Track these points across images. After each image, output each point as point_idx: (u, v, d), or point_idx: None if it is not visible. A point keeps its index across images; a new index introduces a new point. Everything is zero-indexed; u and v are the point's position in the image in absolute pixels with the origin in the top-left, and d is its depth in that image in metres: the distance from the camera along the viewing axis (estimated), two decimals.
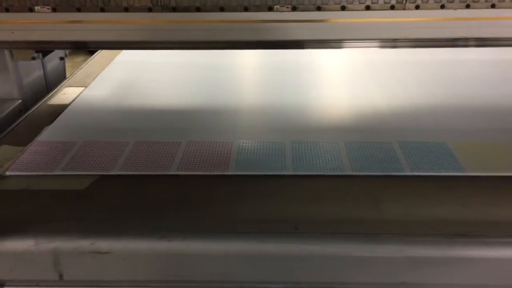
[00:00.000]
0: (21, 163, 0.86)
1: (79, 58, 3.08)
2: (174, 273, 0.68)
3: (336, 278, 0.68)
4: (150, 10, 0.91)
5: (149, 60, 1.39)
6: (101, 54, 1.47)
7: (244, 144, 0.90)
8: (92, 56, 1.46)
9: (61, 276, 0.68)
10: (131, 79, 1.27)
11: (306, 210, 0.73)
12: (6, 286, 0.70)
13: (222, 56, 1.43)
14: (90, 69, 1.34)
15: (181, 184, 0.79)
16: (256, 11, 0.91)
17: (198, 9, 0.90)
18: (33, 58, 1.09)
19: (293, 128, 0.97)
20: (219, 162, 0.85)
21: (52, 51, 1.26)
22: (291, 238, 0.67)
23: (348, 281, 0.68)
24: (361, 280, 0.68)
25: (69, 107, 1.08)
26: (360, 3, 0.90)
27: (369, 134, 0.93)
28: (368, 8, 0.90)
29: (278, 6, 0.90)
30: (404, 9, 0.90)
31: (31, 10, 0.90)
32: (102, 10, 0.91)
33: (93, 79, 1.25)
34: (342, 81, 1.28)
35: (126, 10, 0.91)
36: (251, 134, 0.95)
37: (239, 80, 1.28)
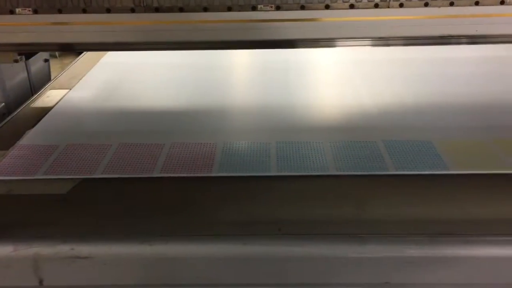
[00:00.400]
0: (2, 168, 0.84)
1: (68, 60, 3.06)
2: (156, 277, 0.67)
3: (319, 279, 0.67)
4: (132, 10, 0.89)
5: (136, 61, 1.38)
6: (87, 56, 1.46)
7: (228, 145, 0.90)
8: (78, 58, 1.45)
9: (41, 281, 0.67)
10: (117, 80, 1.26)
11: (290, 211, 0.72)
12: None
13: (208, 57, 1.42)
14: (75, 71, 1.33)
15: (164, 186, 0.79)
16: (239, 11, 0.90)
17: (181, 9, 0.89)
18: (16, 61, 1.07)
19: (278, 128, 0.97)
20: (203, 164, 0.84)
21: (36, 53, 1.24)
22: (275, 239, 0.67)
23: (332, 281, 0.68)
24: (345, 281, 0.68)
25: (52, 110, 1.07)
26: (344, 1, 0.89)
27: (355, 134, 0.93)
28: (352, 6, 0.89)
29: (262, 6, 0.90)
30: (388, 7, 0.90)
31: (12, 12, 0.88)
32: (84, 11, 0.90)
33: (78, 81, 1.24)
34: (328, 80, 1.28)
35: (108, 11, 0.89)
36: (236, 134, 0.94)
37: (225, 81, 1.27)
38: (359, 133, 0.93)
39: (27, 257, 0.66)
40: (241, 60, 1.44)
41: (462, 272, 0.68)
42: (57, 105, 1.10)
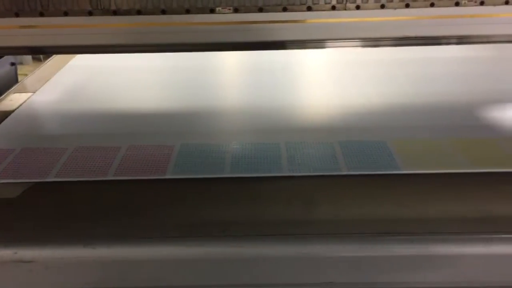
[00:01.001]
0: None
1: None
2: (100, 281, 0.67)
3: (264, 279, 0.67)
4: (90, 13, 0.89)
5: (103, 64, 1.37)
6: (56, 59, 1.45)
7: (185, 147, 0.90)
8: (47, 61, 1.44)
9: None
10: (81, 84, 1.26)
11: (238, 212, 0.73)
12: None
13: (178, 59, 1.42)
14: (42, 74, 1.32)
15: (116, 189, 0.78)
16: (198, 13, 0.90)
17: (139, 12, 0.89)
18: None
19: (236, 129, 0.97)
20: (157, 166, 0.84)
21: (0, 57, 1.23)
22: (219, 241, 0.67)
23: (276, 282, 0.68)
24: (289, 281, 0.68)
25: (12, 113, 1.06)
26: (301, 4, 0.90)
27: (311, 134, 0.93)
28: (309, 9, 0.90)
29: (220, 8, 0.90)
30: (345, 9, 0.90)
31: None
32: (42, 14, 0.89)
33: (42, 85, 1.23)
34: (289, 82, 1.27)
35: (66, 14, 0.89)
36: (195, 136, 0.94)
37: (193, 83, 1.27)
38: (316, 134, 0.94)
39: None
40: (213, 62, 1.43)
41: (409, 271, 0.69)
42: (18, 109, 1.09)
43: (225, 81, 1.29)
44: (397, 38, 0.94)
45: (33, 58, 3.51)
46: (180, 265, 0.67)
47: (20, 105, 1.11)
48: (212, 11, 0.89)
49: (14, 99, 1.15)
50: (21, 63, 3.44)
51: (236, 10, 0.90)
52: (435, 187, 0.78)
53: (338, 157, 0.85)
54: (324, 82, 1.28)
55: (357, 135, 0.92)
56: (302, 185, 0.79)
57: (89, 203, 0.75)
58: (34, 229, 0.69)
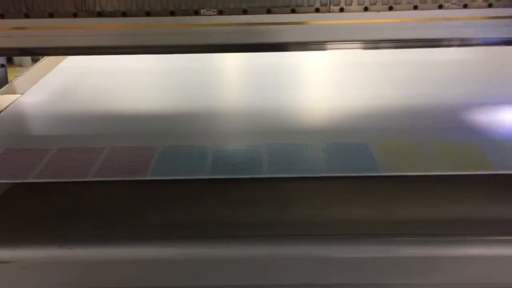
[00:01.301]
0: None
1: None
2: (76, 281, 0.67)
3: (239, 280, 0.68)
4: (75, 15, 0.90)
5: (93, 65, 1.38)
6: (47, 60, 1.46)
7: (167, 149, 0.90)
8: (37, 63, 1.45)
9: None
10: (69, 85, 1.26)
11: (213, 213, 0.73)
12: None
13: (170, 60, 1.42)
14: (31, 76, 1.32)
15: (96, 191, 0.78)
16: (183, 15, 0.91)
17: (123, 14, 0.90)
18: None
19: (218, 132, 0.98)
20: (139, 168, 0.84)
21: None
22: (195, 242, 0.67)
23: (251, 283, 0.68)
24: (267, 282, 0.68)
25: None
26: (285, 6, 0.90)
27: (295, 137, 0.93)
28: (293, 11, 0.90)
29: (205, 10, 0.91)
30: (329, 11, 0.91)
31: None
32: (27, 16, 0.90)
33: (31, 86, 1.24)
34: (275, 84, 1.27)
35: (51, 15, 0.90)
36: (177, 138, 0.94)
37: (175, 85, 1.27)
38: (300, 136, 0.94)
39: None
40: (201, 64, 1.43)
41: (385, 272, 0.69)
42: (4, 110, 1.09)
43: (211, 84, 1.29)
44: (381, 40, 0.94)
45: (33, 60, 3.52)
46: (157, 266, 0.67)
47: (7, 106, 1.12)
48: (196, 13, 0.90)
49: (2, 100, 1.15)
50: (20, 65, 3.46)
51: (220, 12, 0.90)
52: (416, 189, 0.79)
53: (319, 159, 0.85)
54: (311, 84, 1.28)
55: (340, 137, 0.92)
56: (281, 187, 0.79)
57: (67, 204, 0.75)
58: (12, 229, 0.69)
